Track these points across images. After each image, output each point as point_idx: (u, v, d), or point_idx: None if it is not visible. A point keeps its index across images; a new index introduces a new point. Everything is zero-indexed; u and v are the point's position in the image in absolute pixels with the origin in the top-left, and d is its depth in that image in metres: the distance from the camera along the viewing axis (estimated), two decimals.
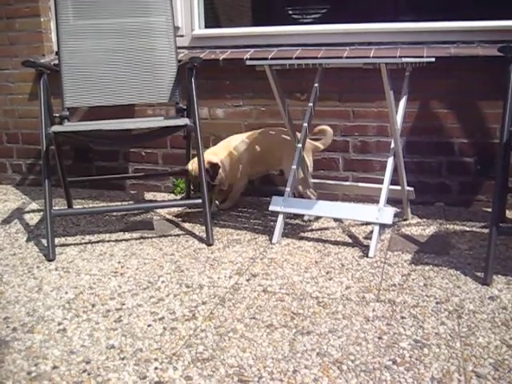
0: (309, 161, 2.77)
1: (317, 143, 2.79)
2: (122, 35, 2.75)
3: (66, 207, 2.92)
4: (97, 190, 3.35)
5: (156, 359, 1.52)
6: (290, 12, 3.32)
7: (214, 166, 2.63)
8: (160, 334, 1.65)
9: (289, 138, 2.70)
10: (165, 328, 1.69)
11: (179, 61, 2.76)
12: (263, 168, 2.89)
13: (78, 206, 3.03)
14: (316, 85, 2.58)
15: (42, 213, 2.96)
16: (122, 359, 1.53)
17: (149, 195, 3.25)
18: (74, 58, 2.69)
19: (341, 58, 2.78)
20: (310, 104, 2.57)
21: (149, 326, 1.70)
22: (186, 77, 2.56)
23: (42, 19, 3.32)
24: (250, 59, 2.87)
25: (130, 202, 3.13)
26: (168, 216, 2.81)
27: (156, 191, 3.29)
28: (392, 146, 2.40)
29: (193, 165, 2.63)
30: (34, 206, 3.13)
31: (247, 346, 1.57)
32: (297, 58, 2.84)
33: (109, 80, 2.71)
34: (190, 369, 1.47)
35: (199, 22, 3.21)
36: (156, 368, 1.48)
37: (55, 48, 3.37)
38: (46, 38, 3.37)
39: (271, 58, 2.86)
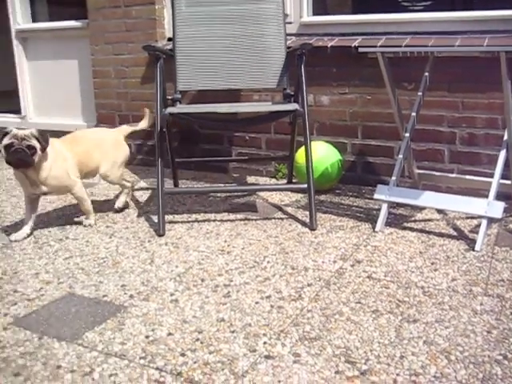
0: (115, 152, 2.68)
1: (128, 126, 2.82)
2: (234, 21, 2.82)
3: (173, 186, 3.05)
4: (200, 171, 3.48)
5: (264, 334, 1.58)
6: None
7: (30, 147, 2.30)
8: (267, 312, 1.71)
9: (109, 136, 2.67)
10: (272, 306, 1.75)
11: (288, 47, 2.80)
12: (89, 175, 2.64)
13: (183, 186, 3.16)
14: (426, 74, 2.54)
15: (150, 191, 3.12)
16: (232, 332, 1.60)
17: (251, 179, 3.33)
18: (187, 43, 2.79)
19: (454, 46, 2.71)
20: (420, 93, 2.53)
21: (256, 303, 1.77)
22: (293, 63, 2.60)
23: (156, 7, 3.47)
24: (361, 46, 2.86)
25: (233, 184, 3.23)
26: (270, 199, 2.88)
27: (258, 175, 3.36)
28: (505, 138, 2.32)
29: None
30: (142, 184, 3.30)
31: (353, 329, 1.60)
32: (406, 47, 2.80)
33: (219, 65, 2.80)
34: (297, 346, 1.52)
35: (307, 9, 3.23)
36: (265, 343, 1.54)
37: (167, 34, 3.53)
38: (159, 25, 3.52)
39: (380, 46, 2.84)
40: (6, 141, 2.27)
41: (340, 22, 3.16)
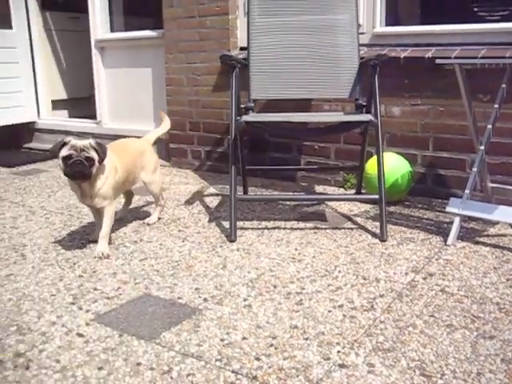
0: (155, 159, 2.73)
1: (153, 133, 2.83)
2: (308, 32, 2.85)
3: (243, 193, 3.11)
4: (268, 179, 3.52)
5: (338, 343, 1.60)
6: (476, 9, 3.21)
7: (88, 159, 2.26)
8: (340, 321, 1.72)
9: (146, 145, 2.69)
10: (344, 315, 1.76)
11: (361, 58, 2.81)
12: (129, 185, 2.64)
13: (251, 193, 3.21)
14: (503, 85, 2.49)
15: (219, 197, 3.19)
16: (306, 339, 1.62)
17: (319, 188, 3.35)
18: (261, 53, 2.85)
19: None
20: (496, 105, 2.48)
21: (329, 311, 1.79)
22: (366, 73, 2.60)
23: (229, 17, 3.55)
24: (436, 58, 2.83)
25: (301, 193, 3.25)
26: (339, 209, 2.88)
27: (326, 185, 3.38)
28: None
29: None
30: (211, 190, 3.37)
31: (427, 343, 1.59)
32: (483, 58, 2.75)
33: (292, 74, 2.84)
34: (371, 356, 1.52)
35: (380, 19, 3.22)
36: (338, 352, 1.55)
37: (239, 43, 3.60)
38: (232, 34, 3.59)
39: (455, 57, 2.80)
40: (64, 152, 2.21)
41: (413, 32, 3.14)
